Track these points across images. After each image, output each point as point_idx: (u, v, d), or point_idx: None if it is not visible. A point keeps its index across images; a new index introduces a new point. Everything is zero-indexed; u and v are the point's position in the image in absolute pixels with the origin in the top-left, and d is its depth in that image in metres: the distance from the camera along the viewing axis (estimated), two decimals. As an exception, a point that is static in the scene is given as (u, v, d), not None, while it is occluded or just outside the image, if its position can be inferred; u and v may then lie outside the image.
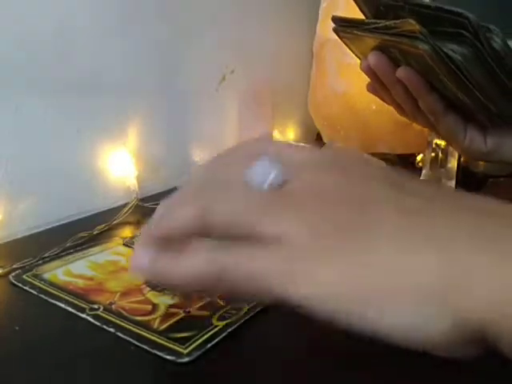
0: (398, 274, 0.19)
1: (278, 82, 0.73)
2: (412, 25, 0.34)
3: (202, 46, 0.62)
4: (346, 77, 0.65)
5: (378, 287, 0.19)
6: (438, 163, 0.58)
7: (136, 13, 0.52)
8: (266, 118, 0.63)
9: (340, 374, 0.25)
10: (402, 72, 0.39)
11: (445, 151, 0.58)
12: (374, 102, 0.64)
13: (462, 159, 0.58)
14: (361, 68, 0.44)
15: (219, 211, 0.23)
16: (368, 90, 0.48)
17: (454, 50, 0.34)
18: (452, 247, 0.19)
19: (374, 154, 0.60)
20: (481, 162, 0.57)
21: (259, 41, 0.73)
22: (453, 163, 0.58)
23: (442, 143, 0.58)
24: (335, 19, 0.43)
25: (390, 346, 0.19)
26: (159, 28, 0.55)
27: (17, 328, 0.29)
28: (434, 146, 0.59)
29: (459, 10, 0.33)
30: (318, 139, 0.75)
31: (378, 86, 0.44)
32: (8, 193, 0.42)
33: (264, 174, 0.23)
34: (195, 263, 0.22)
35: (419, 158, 0.68)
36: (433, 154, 0.58)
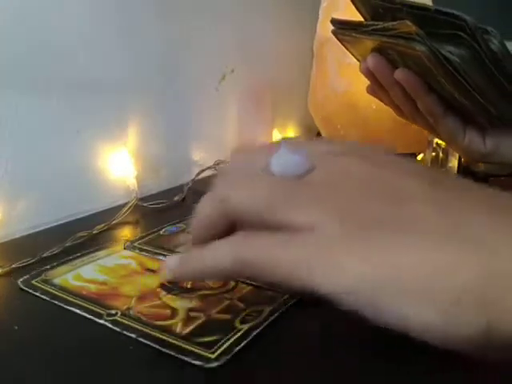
0: (433, 273, 0.18)
1: (277, 82, 0.73)
2: (409, 26, 0.34)
3: (202, 46, 0.62)
4: (346, 76, 0.65)
5: (410, 284, 0.18)
6: (439, 163, 0.58)
7: (136, 13, 0.52)
8: (266, 118, 0.62)
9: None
10: (399, 74, 0.39)
11: (445, 151, 0.58)
12: (374, 102, 0.63)
13: (462, 159, 0.58)
14: (360, 70, 0.44)
15: (241, 198, 0.23)
16: (368, 92, 0.48)
17: (451, 51, 0.34)
18: (491, 248, 0.18)
19: (374, 154, 0.60)
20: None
21: (259, 40, 0.73)
22: (453, 163, 0.57)
23: (443, 143, 0.58)
24: (334, 21, 0.43)
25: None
26: (159, 28, 0.55)
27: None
28: (434, 145, 0.58)
29: (456, 12, 0.33)
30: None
31: (377, 87, 0.44)
32: (8, 192, 0.42)
33: (287, 161, 0.23)
34: (219, 258, 0.23)
35: (420, 157, 0.68)
36: (433, 154, 0.58)
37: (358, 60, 0.46)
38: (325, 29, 0.66)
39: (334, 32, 0.44)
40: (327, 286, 0.20)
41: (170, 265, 0.26)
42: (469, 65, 0.34)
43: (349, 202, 0.21)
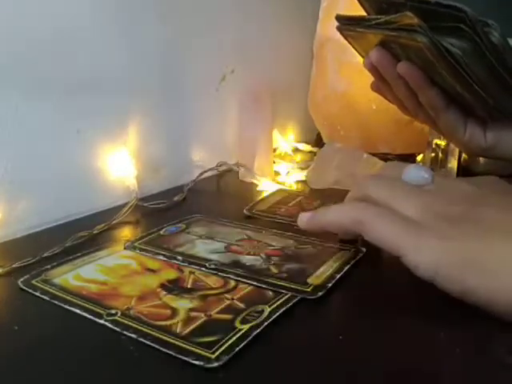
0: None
1: (278, 82, 0.73)
2: (410, 18, 0.34)
3: (202, 46, 0.62)
4: (346, 76, 0.65)
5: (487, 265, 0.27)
6: (438, 163, 0.58)
7: (136, 13, 0.52)
8: (266, 118, 0.63)
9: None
10: (402, 66, 0.39)
11: (445, 151, 0.58)
12: (374, 102, 0.64)
13: (462, 159, 0.58)
14: (364, 65, 0.44)
15: (380, 188, 0.34)
16: (372, 89, 0.48)
17: (452, 43, 0.34)
18: None
19: (374, 154, 0.60)
20: (481, 162, 0.57)
21: (259, 40, 0.73)
22: (453, 163, 0.58)
23: (442, 143, 0.58)
24: (339, 18, 0.44)
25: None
26: (159, 28, 0.55)
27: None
28: (434, 146, 0.59)
29: (457, 5, 0.33)
30: (318, 139, 0.75)
31: (381, 83, 0.44)
32: (8, 192, 0.42)
33: (418, 174, 0.34)
34: (340, 214, 0.33)
35: (419, 158, 0.68)
36: (433, 154, 0.58)
37: (362, 56, 0.46)
38: (325, 29, 0.66)
39: (338, 28, 0.44)
40: (412, 262, 0.29)
41: (303, 217, 0.35)
42: (470, 57, 0.35)
43: (447, 204, 0.31)
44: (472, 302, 0.28)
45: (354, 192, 0.37)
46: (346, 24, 0.43)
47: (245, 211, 0.49)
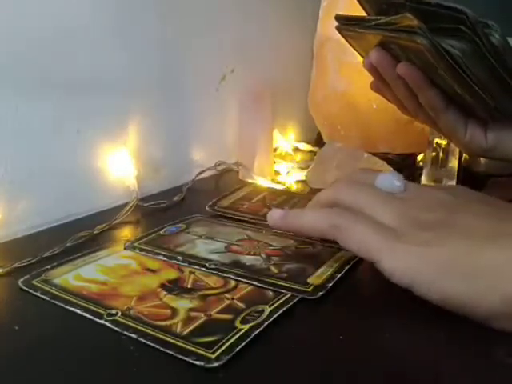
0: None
1: (278, 82, 0.73)
2: (410, 19, 0.34)
3: (202, 46, 0.62)
4: (346, 76, 0.65)
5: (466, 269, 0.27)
6: (439, 163, 0.58)
7: (136, 13, 0.52)
8: (266, 118, 0.62)
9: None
10: (402, 67, 0.39)
11: (446, 151, 0.58)
12: (374, 102, 0.64)
13: (462, 159, 0.58)
14: (363, 66, 0.44)
15: (354, 194, 0.34)
16: (372, 89, 0.48)
17: (452, 45, 0.34)
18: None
19: (374, 154, 0.60)
20: (482, 162, 0.57)
21: (259, 40, 0.73)
22: (454, 163, 0.57)
23: (443, 143, 0.58)
24: (338, 18, 0.44)
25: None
26: (159, 28, 0.55)
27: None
28: (434, 145, 0.58)
29: (458, 6, 0.33)
30: (319, 139, 0.75)
31: (381, 83, 0.44)
32: (8, 192, 0.42)
33: (391, 181, 0.34)
34: (315, 219, 0.32)
35: (420, 157, 0.68)
36: (433, 154, 0.58)
37: (362, 56, 0.46)
38: (325, 28, 0.66)
39: (337, 28, 0.44)
40: (388, 268, 0.29)
41: (274, 214, 0.34)
42: (470, 58, 0.35)
43: (421, 212, 0.31)
44: (452, 308, 0.27)
45: (326, 194, 0.36)
46: (346, 24, 0.43)
47: (207, 207, 0.49)
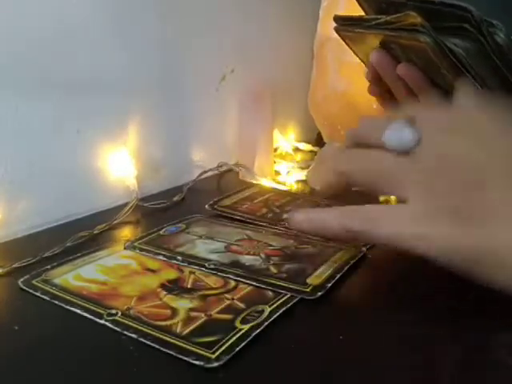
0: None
1: (278, 82, 0.73)
2: (414, 17, 0.34)
3: (202, 46, 0.62)
4: (346, 76, 0.65)
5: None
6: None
7: (136, 13, 0.52)
8: (266, 118, 0.62)
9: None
10: (402, 68, 0.39)
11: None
12: (374, 101, 0.63)
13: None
14: (365, 76, 0.44)
15: (359, 173, 0.31)
16: (370, 93, 0.47)
17: (456, 44, 0.34)
18: None
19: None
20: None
21: (259, 40, 0.73)
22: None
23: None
24: (337, 18, 0.43)
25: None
26: (159, 28, 0.55)
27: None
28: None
29: (462, 4, 0.33)
30: (319, 139, 0.75)
31: (381, 87, 0.43)
32: (8, 192, 0.42)
33: (399, 136, 0.29)
34: (328, 222, 0.31)
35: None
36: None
37: (362, 61, 0.45)
38: (325, 28, 0.66)
39: (336, 29, 0.44)
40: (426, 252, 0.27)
41: (297, 216, 0.33)
42: (474, 58, 0.34)
43: (442, 185, 0.27)
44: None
45: (328, 165, 0.35)
46: (344, 25, 0.43)
47: (207, 206, 0.49)
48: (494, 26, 0.33)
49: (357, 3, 0.44)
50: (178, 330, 0.28)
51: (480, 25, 0.33)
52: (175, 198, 0.52)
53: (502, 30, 0.33)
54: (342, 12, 0.63)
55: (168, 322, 0.29)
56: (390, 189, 0.31)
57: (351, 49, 0.46)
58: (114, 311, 0.30)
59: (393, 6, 0.38)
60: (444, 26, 0.34)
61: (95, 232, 0.43)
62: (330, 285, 0.33)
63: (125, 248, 0.40)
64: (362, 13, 0.44)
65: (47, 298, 0.32)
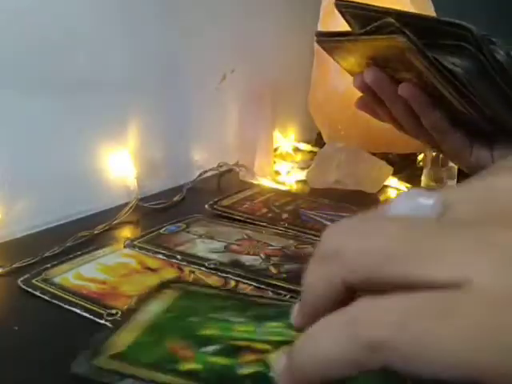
0: None
1: (278, 82, 0.73)
2: (390, 22, 0.32)
3: (202, 46, 0.62)
4: (347, 76, 0.65)
5: None
6: (439, 162, 0.58)
7: (136, 13, 0.52)
8: (266, 117, 0.63)
9: None
10: (404, 88, 0.37)
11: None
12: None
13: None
14: (354, 85, 0.42)
15: (358, 249, 0.17)
16: (357, 107, 0.45)
17: (455, 63, 0.33)
18: None
19: (374, 154, 0.60)
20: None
21: (260, 40, 0.73)
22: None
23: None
24: (318, 34, 0.42)
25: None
26: (159, 28, 0.55)
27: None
28: (434, 145, 0.58)
29: (461, 22, 0.32)
30: (319, 139, 0.75)
31: (375, 102, 0.42)
32: (8, 192, 0.42)
33: (410, 203, 0.18)
34: (335, 344, 0.16)
35: (420, 157, 0.68)
36: (434, 154, 0.58)
37: (346, 69, 0.44)
38: (326, 28, 0.66)
39: (317, 41, 0.42)
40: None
41: (279, 369, 0.17)
42: (473, 76, 0.34)
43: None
44: None
45: (326, 246, 0.18)
46: (325, 38, 0.41)
47: (207, 206, 0.49)
48: (493, 43, 0.33)
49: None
50: None
51: (481, 43, 0.32)
52: (175, 198, 0.52)
53: (501, 46, 0.33)
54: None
55: None
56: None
57: (334, 59, 0.44)
58: (113, 311, 0.30)
59: (384, 26, 0.37)
60: (442, 43, 0.33)
61: (95, 232, 0.43)
62: None
63: (125, 247, 0.40)
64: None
65: (47, 298, 0.32)
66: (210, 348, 0.25)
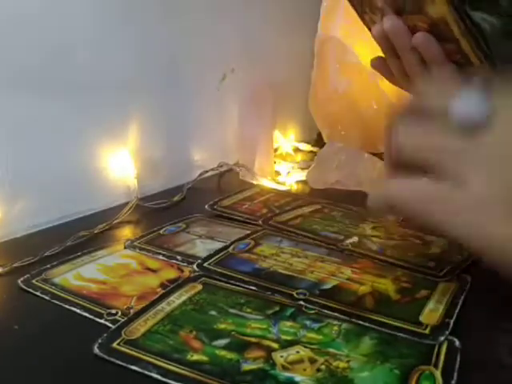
0: None
1: (278, 81, 0.73)
2: None
3: (202, 46, 0.62)
4: (346, 75, 0.65)
5: None
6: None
7: (136, 12, 0.52)
8: (266, 118, 0.62)
9: None
10: (419, 37, 0.36)
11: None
12: (375, 101, 0.64)
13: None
14: (372, 33, 0.41)
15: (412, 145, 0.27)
16: (373, 67, 0.44)
17: (485, 18, 0.32)
18: None
19: (374, 154, 0.60)
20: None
21: (260, 40, 0.73)
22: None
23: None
24: None
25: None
26: (159, 28, 0.55)
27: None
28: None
29: None
30: (319, 139, 0.75)
31: (389, 55, 0.41)
32: (8, 192, 0.42)
33: (468, 108, 0.24)
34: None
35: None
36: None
37: (368, 28, 0.42)
38: (326, 28, 0.66)
39: None
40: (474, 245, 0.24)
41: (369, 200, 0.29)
42: (499, 33, 0.33)
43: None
44: None
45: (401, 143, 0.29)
46: None
47: (207, 206, 0.49)
48: None
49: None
50: None
51: None
52: (175, 198, 0.52)
53: None
54: (343, 12, 0.63)
55: None
56: (447, 168, 0.26)
57: (356, 10, 0.43)
58: (113, 311, 0.30)
59: None
60: None
61: (95, 232, 0.43)
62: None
63: (125, 247, 0.40)
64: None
65: (47, 298, 0.32)
66: (221, 342, 0.26)
